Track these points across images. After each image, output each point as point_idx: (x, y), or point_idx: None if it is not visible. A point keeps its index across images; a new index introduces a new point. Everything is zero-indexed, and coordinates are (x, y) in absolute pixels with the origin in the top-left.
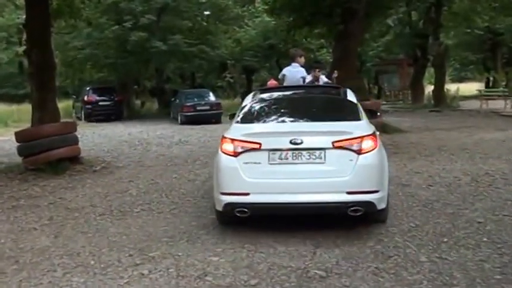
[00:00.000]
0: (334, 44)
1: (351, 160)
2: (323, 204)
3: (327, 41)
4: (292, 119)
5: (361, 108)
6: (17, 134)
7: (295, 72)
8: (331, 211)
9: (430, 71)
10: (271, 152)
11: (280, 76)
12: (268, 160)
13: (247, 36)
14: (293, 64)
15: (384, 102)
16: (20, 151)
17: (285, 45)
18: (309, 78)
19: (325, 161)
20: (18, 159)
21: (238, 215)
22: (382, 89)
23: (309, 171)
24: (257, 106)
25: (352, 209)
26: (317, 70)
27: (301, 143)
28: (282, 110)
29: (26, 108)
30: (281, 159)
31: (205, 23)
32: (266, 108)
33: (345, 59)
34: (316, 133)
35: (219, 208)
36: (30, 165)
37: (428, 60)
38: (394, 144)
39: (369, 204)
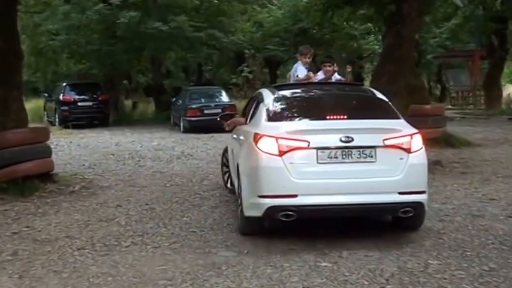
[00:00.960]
0: (385, 30)
1: (402, 159)
2: (375, 206)
3: (375, 25)
4: (335, 117)
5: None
6: None
7: (293, 71)
8: (382, 213)
9: (510, 67)
10: (319, 151)
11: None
12: (317, 159)
13: (272, 19)
14: (298, 62)
15: (449, 107)
16: None
17: (320, 30)
18: (320, 75)
19: (376, 160)
20: None
21: (283, 219)
22: (447, 88)
23: (359, 170)
24: (283, 104)
25: (403, 210)
26: (327, 65)
27: (352, 140)
28: (316, 108)
29: None
30: (330, 158)
31: (216, 1)
32: (295, 106)
33: (398, 49)
34: (367, 130)
35: (257, 213)
36: None
37: (508, 52)
38: (462, 161)
39: (419, 205)
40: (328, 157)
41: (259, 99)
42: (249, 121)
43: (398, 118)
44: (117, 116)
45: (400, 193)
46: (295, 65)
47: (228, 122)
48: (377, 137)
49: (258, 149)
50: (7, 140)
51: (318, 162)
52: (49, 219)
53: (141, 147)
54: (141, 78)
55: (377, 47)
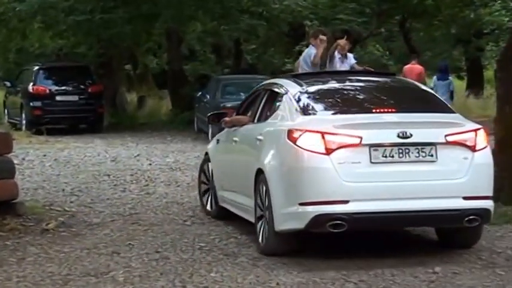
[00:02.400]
0: None
1: (466, 158)
2: (437, 213)
3: None
4: (385, 110)
5: None
6: None
7: (306, 56)
8: (444, 221)
9: None
10: (372, 149)
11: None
12: (370, 158)
13: None
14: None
15: None
16: None
17: None
18: (312, 51)
19: (436, 159)
20: None
21: (332, 230)
22: None
23: (418, 171)
24: (316, 95)
25: (468, 218)
26: (341, 42)
27: (410, 136)
28: (358, 100)
29: None
30: (385, 157)
31: None
32: (332, 98)
33: None
34: (426, 124)
35: (297, 225)
36: None
37: None
38: None
39: (486, 212)
40: (382, 156)
41: (278, 92)
42: (259, 118)
43: (453, 112)
44: (115, 117)
45: (465, 198)
46: (307, 50)
47: (226, 119)
48: (438, 133)
49: (297, 147)
50: None
51: (371, 162)
52: (8, 272)
53: (149, 165)
54: (151, 62)
55: (506, 19)
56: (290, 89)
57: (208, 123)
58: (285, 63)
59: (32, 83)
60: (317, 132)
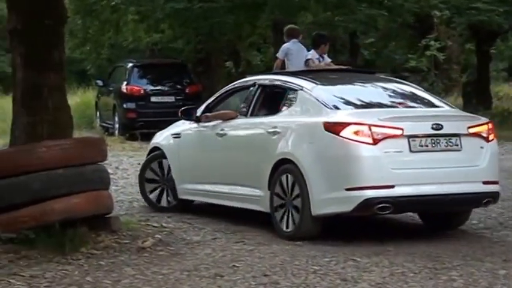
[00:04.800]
0: None
1: (482, 148)
2: (464, 196)
3: None
4: (412, 104)
5: None
6: None
7: (301, 51)
8: (467, 204)
9: None
10: (411, 139)
11: (282, 55)
12: (410, 148)
13: None
14: (294, 40)
15: None
16: None
17: None
18: (310, 56)
19: (461, 148)
20: None
21: (379, 212)
22: None
23: (448, 159)
24: (335, 92)
25: (485, 200)
26: (323, 46)
27: (442, 128)
28: (375, 97)
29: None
30: (421, 146)
31: None
32: (350, 94)
33: None
34: (453, 118)
35: (345, 208)
36: (3, 230)
37: None
38: None
39: (497, 195)
40: (419, 145)
41: (286, 87)
42: (255, 113)
43: (454, 108)
44: None
45: (484, 183)
46: (297, 46)
47: (208, 114)
48: (461, 125)
49: (343, 138)
50: (38, 158)
51: (411, 151)
52: None
53: None
54: (254, 58)
55: None
56: (304, 85)
57: (181, 117)
58: (408, 60)
59: (125, 82)
60: (364, 124)
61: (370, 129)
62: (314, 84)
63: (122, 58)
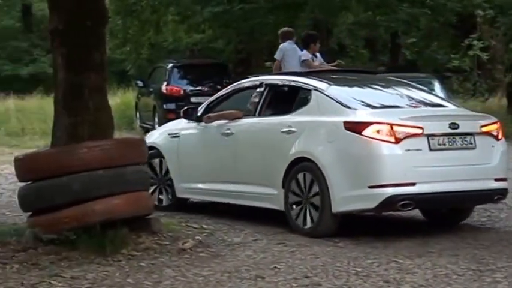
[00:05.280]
0: None
1: (493, 146)
2: (478, 192)
3: None
4: (424, 104)
5: None
6: (19, 162)
7: (296, 52)
8: (482, 200)
9: None
10: (430, 138)
11: (279, 56)
12: (429, 146)
13: None
14: (289, 41)
15: None
16: (25, 201)
17: None
18: (304, 57)
19: (475, 147)
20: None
21: (401, 209)
22: None
23: (464, 157)
24: (350, 92)
25: (496, 197)
26: (313, 45)
27: (458, 127)
28: (388, 97)
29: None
30: (440, 145)
31: None
32: (363, 94)
33: None
34: (468, 117)
35: (369, 205)
36: (45, 231)
37: None
38: None
39: (506, 192)
40: (437, 144)
41: (297, 87)
42: (262, 112)
43: (459, 106)
44: None
45: (496, 180)
46: (293, 46)
47: (211, 115)
48: (475, 124)
49: (365, 137)
50: (79, 159)
51: (430, 149)
52: None
53: None
54: None
55: None
56: (317, 85)
57: (184, 117)
58: (450, 60)
59: (165, 83)
60: (387, 123)
61: (392, 129)
62: (327, 85)
63: (161, 58)
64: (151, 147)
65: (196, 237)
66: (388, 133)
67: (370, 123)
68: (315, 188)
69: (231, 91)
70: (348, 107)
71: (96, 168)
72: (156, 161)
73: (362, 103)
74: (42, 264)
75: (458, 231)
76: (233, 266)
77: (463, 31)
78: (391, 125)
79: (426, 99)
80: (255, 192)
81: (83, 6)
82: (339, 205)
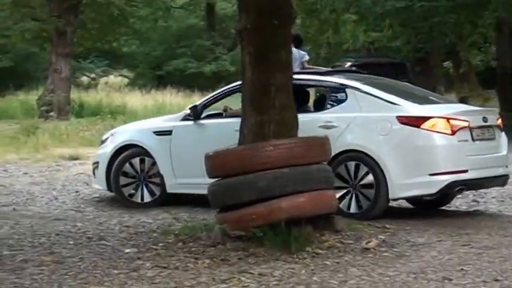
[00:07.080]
0: None
1: (500, 137)
2: (498, 178)
3: None
4: (446, 101)
5: None
6: (209, 159)
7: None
8: (498, 184)
9: None
10: (472, 130)
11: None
12: (472, 137)
13: None
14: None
15: None
16: (215, 197)
17: None
18: (308, 56)
19: (495, 138)
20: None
21: (455, 193)
22: None
23: (490, 147)
24: (383, 90)
25: (503, 182)
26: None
27: (488, 121)
28: (412, 94)
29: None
30: (478, 135)
31: None
32: (394, 92)
33: None
34: (489, 112)
35: (430, 191)
36: (232, 228)
37: None
38: None
39: (509, 177)
40: (476, 135)
41: (327, 86)
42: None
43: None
44: None
45: (506, 166)
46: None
47: (232, 110)
48: (493, 118)
49: (425, 130)
50: (266, 156)
51: (473, 140)
52: None
53: None
54: (474, 57)
55: None
56: (349, 83)
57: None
58: None
59: None
60: (443, 117)
61: (448, 122)
62: (359, 83)
63: (338, 57)
64: (131, 145)
65: (380, 237)
66: (445, 126)
67: (429, 118)
68: (369, 177)
69: (232, 90)
70: (393, 103)
71: (282, 166)
72: (137, 159)
73: (404, 100)
74: (231, 260)
75: None
76: (418, 267)
77: None
78: (448, 118)
79: (441, 98)
80: None
81: (271, 5)
82: (397, 191)
